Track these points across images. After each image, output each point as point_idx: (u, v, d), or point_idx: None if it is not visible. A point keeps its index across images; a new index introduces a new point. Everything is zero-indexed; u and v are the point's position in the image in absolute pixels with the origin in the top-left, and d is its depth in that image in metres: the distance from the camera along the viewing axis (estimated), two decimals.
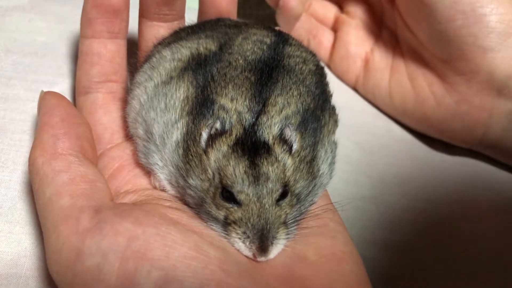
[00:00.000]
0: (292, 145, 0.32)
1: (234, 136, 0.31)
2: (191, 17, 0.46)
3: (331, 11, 0.60)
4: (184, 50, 0.37)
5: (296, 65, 0.36)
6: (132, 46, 0.45)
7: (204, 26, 0.41)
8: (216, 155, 0.31)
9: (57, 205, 0.31)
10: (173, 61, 0.37)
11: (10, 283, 0.34)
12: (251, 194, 0.31)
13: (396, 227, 0.46)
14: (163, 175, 0.35)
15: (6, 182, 0.39)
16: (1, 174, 0.39)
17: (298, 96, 0.34)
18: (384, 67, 0.54)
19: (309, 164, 0.34)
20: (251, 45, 0.37)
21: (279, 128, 0.32)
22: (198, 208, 0.33)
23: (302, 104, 0.34)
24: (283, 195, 0.32)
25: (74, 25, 0.51)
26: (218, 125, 0.31)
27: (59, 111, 0.35)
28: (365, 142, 0.52)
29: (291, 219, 0.33)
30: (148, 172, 0.37)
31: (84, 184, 0.32)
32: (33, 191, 0.34)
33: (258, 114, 0.32)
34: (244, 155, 0.31)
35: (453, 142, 0.53)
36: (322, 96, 0.37)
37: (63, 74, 0.47)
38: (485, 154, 0.54)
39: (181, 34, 0.40)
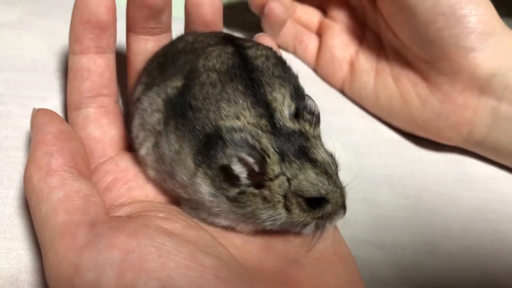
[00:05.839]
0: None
1: (275, 157, 0.32)
2: (177, 27, 0.46)
3: (315, 16, 0.61)
4: (158, 99, 0.36)
5: (263, 64, 0.36)
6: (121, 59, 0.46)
7: (166, 61, 0.39)
8: (280, 180, 0.32)
9: (54, 221, 0.31)
10: (153, 114, 0.36)
11: None
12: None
13: (388, 226, 0.47)
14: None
15: (2, 199, 0.39)
16: None
17: (283, 87, 0.35)
18: (369, 70, 0.55)
19: None
20: (215, 59, 0.36)
21: (292, 112, 0.34)
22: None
23: (291, 92, 0.35)
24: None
25: (63, 39, 0.51)
26: (248, 158, 0.31)
27: (52, 128, 0.36)
28: (354, 143, 0.53)
29: None
30: (143, 183, 0.38)
31: (79, 199, 0.33)
32: (29, 208, 0.34)
33: (271, 115, 0.33)
34: (295, 160, 0.32)
35: (439, 140, 0.54)
36: (296, 82, 0.38)
37: (54, 89, 0.47)
38: (471, 151, 0.55)
39: (154, 73, 0.39)
